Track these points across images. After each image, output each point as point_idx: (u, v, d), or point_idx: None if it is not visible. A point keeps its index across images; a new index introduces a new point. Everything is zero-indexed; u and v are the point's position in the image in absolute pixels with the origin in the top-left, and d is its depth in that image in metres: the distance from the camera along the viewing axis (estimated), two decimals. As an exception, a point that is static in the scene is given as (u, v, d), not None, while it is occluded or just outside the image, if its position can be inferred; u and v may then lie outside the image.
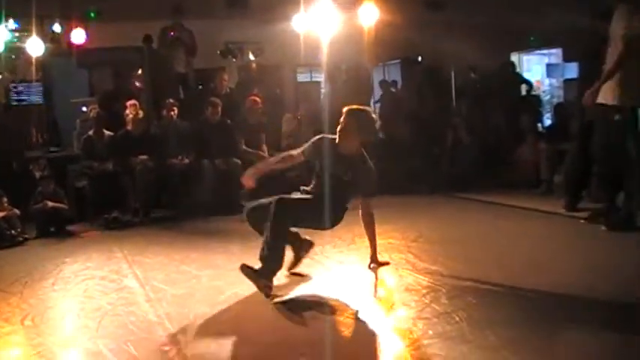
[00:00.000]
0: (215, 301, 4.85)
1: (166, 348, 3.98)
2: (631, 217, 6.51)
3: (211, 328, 4.27)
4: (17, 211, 7.78)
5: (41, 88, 12.14)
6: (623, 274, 5.15)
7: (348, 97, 10.62)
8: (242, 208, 8.25)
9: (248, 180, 5.37)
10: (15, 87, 12.11)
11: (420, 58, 13.14)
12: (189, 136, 9.31)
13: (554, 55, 15.47)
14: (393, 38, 11.60)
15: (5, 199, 7.76)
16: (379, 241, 5.89)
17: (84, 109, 10.18)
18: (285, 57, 13.24)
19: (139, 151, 8.92)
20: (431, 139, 10.58)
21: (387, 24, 10.19)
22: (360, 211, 5.41)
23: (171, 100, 9.49)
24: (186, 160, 9.05)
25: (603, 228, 6.54)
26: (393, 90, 13.09)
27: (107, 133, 9.17)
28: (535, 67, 16.20)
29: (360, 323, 4.31)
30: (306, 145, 5.42)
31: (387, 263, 5.57)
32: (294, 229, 5.24)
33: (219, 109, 9.34)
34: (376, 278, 5.35)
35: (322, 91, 13.20)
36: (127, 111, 9.20)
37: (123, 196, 8.99)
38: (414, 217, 7.80)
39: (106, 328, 4.43)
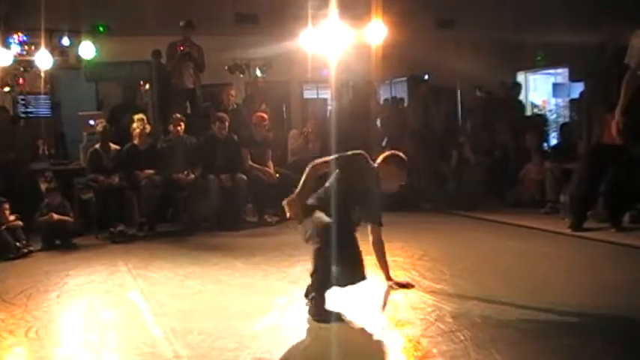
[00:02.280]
0: (219, 317, 4.84)
1: (170, 363, 3.98)
2: None
3: (215, 343, 4.26)
4: (20, 223, 7.79)
5: (49, 101, 12.20)
6: (631, 292, 5.14)
7: (355, 114, 10.72)
8: (246, 223, 8.29)
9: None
10: (23, 99, 12.16)
11: (426, 76, 13.16)
12: (195, 151, 9.33)
13: (561, 75, 15.50)
14: (400, 56, 11.66)
15: (7, 206, 7.76)
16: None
17: (91, 122, 10.19)
18: (292, 73, 13.30)
19: (145, 166, 8.95)
20: (437, 158, 10.58)
21: (395, 41, 10.21)
22: (371, 237, 5.36)
23: (178, 115, 9.50)
24: (192, 176, 9.05)
25: None
26: (401, 107, 13.10)
27: (114, 146, 9.20)
28: (541, 87, 16.23)
29: (364, 341, 4.29)
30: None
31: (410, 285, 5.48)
32: None
33: (227, 124, 9.37)
34: (381, 296, 5.34)
35: (329, 107, 13.22)
36: (134, 125, 9.22)
37: (128, 210, 9.02)
38: (420, 236, 7.79)
39: (109, 342, 4.43)
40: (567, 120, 13.23)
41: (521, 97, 12.65)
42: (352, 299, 5.02)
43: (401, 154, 5.38)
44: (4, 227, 7.57)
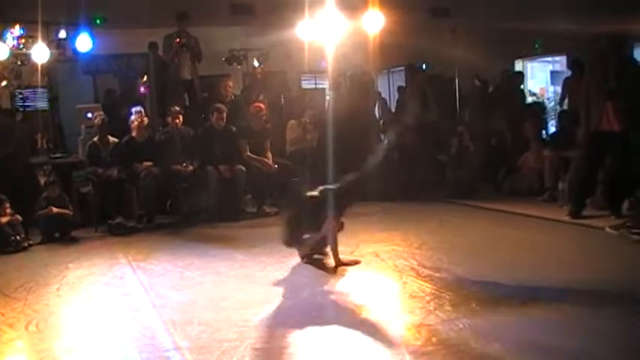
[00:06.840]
0: (219, 308, 4.86)
1: (170, 354, 3.99)
2: None
3: (215, 334, 4.27)
4: (19, 217, 7.79)
5: (47, 95, 12.17)
6: (630, 278, 5.16)
7: (352, 104, 10.69)
8: (245, 214, 8.31)
9: None
10: (20, 93, 12.14)
11: (424, 65, 13.13)
12: (193, 143, 9.31)
13: (559, 62, 15.47)
14: (397, 45, 11.61)
15: (7, 205, 7.77)
16: (384, 248, 5.93)
17: (89, 115, 10.17)
18: (289, 64, 13.26)
19: (143, 158, 8.94)
20: (436, 147, 10.57)
21: (392, 30, 10.18)
22: None
23: (176, 108, 9.48)
24: (191, 167, 9.04)
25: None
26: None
27: (112, 139, 9.19)
28: (539, 75, 16.20)
29: (363, 329, 4.30)
30: None
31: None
32: None
33: (224, 115, 9.35)
34: (380, 284, 5.35)
35: (327, 97, 13.20)
36: (133, 117, 9.20)
37: (127, 202, 9.00)
38: (419, 224, 7.79)
39: (109, 334, 4.44)
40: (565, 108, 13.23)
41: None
42: (348, 288, 5.04)
43: None
44: (4, 222, 7.57)
